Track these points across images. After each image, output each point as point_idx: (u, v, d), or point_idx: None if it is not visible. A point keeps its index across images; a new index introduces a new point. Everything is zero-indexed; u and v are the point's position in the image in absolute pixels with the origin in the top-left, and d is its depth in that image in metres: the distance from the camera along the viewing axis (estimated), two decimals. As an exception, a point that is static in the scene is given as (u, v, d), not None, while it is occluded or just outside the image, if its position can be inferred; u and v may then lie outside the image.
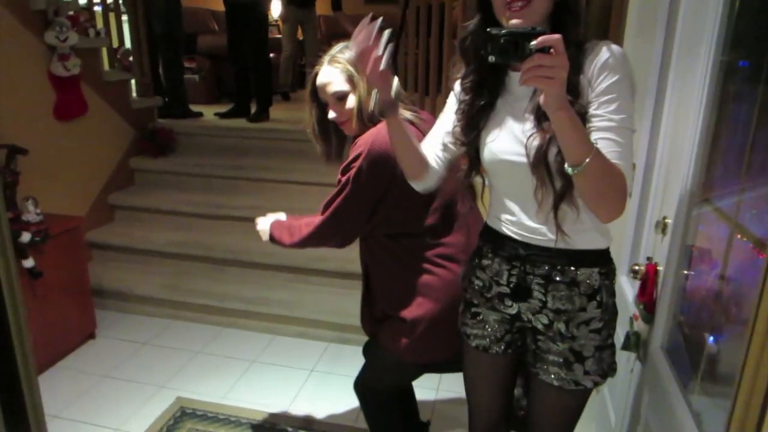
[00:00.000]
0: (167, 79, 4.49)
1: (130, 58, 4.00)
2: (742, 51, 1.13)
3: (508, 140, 1.17)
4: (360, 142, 1.49)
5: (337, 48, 1.56)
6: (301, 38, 5.73)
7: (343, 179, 1.50)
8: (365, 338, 1.79)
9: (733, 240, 1.13)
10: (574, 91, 1.05)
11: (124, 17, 4.16)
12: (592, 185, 1.03)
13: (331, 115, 1.56)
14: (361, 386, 1.79)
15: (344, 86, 1.52)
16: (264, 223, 1.76)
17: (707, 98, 1.23)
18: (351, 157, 1.49)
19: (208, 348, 2.82)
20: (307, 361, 2.72)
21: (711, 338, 1.24)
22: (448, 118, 1.30)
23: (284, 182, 3.56)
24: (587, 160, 0.98)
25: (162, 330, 2.98)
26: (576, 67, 1.05)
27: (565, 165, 1.02)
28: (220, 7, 4.60)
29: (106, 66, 3.78)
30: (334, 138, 1.67)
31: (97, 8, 3.93)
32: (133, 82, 4.06)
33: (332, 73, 1.52)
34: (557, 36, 0.90)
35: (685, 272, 1.36)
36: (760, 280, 0.74)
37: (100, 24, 3.77)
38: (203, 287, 3.13)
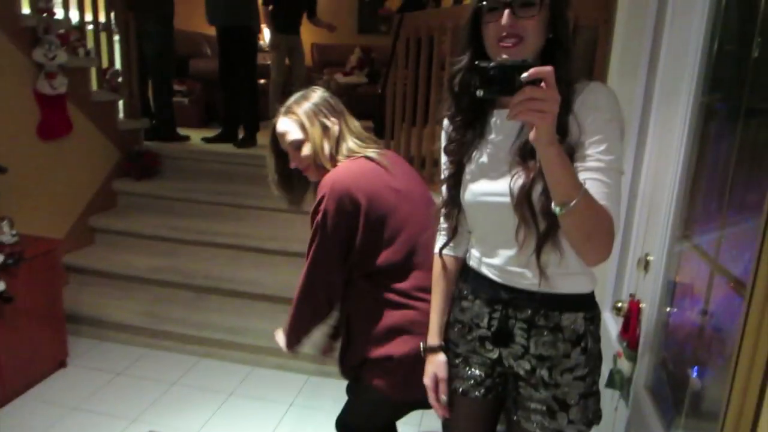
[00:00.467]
0: (156, 101, 4.49)
1: (119, 79, 4.00)
2: (719, 94, 1.15)
3: (490, 180, 1.14)
4: (321, 185, 1.51)
5: (293, 98, 1.61)
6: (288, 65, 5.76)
7: (312, 228, 1.51)
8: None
9: (714, 276, 1.12)
10: (562, 130, 1.03)
11: (116, 37, 4.17)
12: (579, 226, 1.00)
13: (293, 164, 1.61)
14: (344, 427, 1.75)
15: (299, 135, 1.57)
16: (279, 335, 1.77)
17: (687, 138, 1.24)
18: (316, 202, 1.51)
19: (185, 379, 2.75)
20: (286, 394, 2.66)
21: (695, 374, 1.22)
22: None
23: (269, 210, 3.53)
24: (576, 199, 0.95)
25: (137, 359, 2.91)
26: (566, 105, 1.02)
27: (552, 204, 0.99)
28: (214, 31, 4.63)
29: (94, 86, 3.77)
30: (297, 185, 1.71)
31: (89, 27, 3.93)
32: (120, 103, 4.06)
33: (288, 124, 1.58)
34: (549, 68, 0.88)
35: (668, 309, 1.36)
36: (741, 320, 0.73)
37: (90, 44, 3.77)
38: (182, 315, 3.08)
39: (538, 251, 1.09)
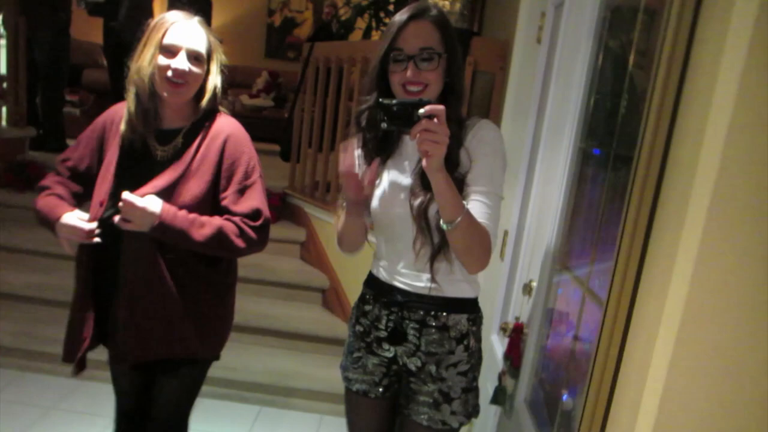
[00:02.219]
0: (45, 110, 4.21)
1: (4, 85, 3.72)
2: (595, 141, 1.32)
3: (395, 195, 1.30)
4: (234, 133, 1.50)
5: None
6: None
7: (249, 179, 1.48)
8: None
9: (585, 303, 1.27)
10: (455, 161, 1.22)
11: (2, 42, 3.90)
12: (462, 240, 1.18)
13: (174, 68, 1.41)
14: (184, 418, 1.70)
15: (203, 49, 1.45)
16: (151, 201, 1.40)
17: (567, 178, 1.41)
18: (233, 148, 1.48)
19: (64, 403, 2.57)
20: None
21: (565, 395, 1.37)
22: None
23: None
24: (459, 218, 1.14)
25: (9, 383, 2.67)
26: (457, 140, 1.23)
27: (441, 221, 1.16)
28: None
29: (-25, 90, 3.49)
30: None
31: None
32: (4, 110, 3.77)
33: (198, 30, 1.46)
34: (441, 107, 1.07)
35: (546, 332, 1.50)
36: (598, 330, 0.85)
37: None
38: (62, 335, 2.86)
39: (432, 259, 1.27)
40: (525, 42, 1.93)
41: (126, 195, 1.36)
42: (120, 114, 1.53)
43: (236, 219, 1.46)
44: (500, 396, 1.58)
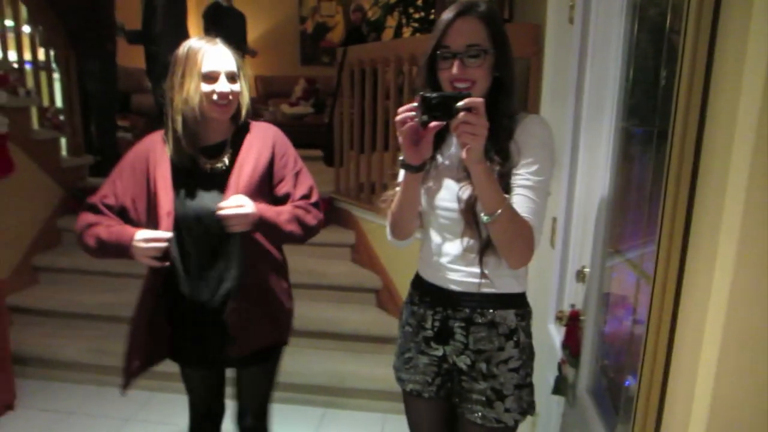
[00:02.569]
0: (100, 138, 4.43)
1: (61, 117, 3.93)
2: (636, 119, 1.29)
3: (444, 189, 1.30)
4: (275, 134, 1.67)
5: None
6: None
7: (298, 166, 1.68)
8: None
9: (640, 285, 1.24)
10: (505, 154, 1.22)
11: (56, 75, 4.11)
12: (502, 233, 1.18)
13: (219, 91, 1.53)
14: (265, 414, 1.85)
15: (236, 68, 1.57)
16: (243, 201, 1.53)
17: (611, 159, 1.38)
18: (281, 150, 1.65)
19: (140, 415, 2.70)
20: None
21: (627, 381, 1.34)
22: None
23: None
24: (499, 210, 1.13)
25: (88, 398, 2.83)
26: (507, 134, 1.23)
27: (482, 213, 1.16)
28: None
29: (35, 125, 3.69)
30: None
31: (28, 66, 3.87)
32: (63, 140, 3.98)
33: (228, 53, 1.57)
34: (480, 99, 1.07)
35: (604, 317, 1.48)
36: (647, 309, 0.84)
37: (30, 83, 3.71)
38: (135, 350, 3.01)
39: (480, 254, 1.26)
40: (557, 24, 1.89)
41: (223, 204, 1.49)
42: (157, 141, 1.63)
43: (299, 202, 1.64)
44: (561, 386, 1.56)
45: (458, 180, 1.27)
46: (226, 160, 1.61)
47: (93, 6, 4.13)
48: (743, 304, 0.71)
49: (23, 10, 3.79)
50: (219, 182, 1.58)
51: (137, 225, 1.59)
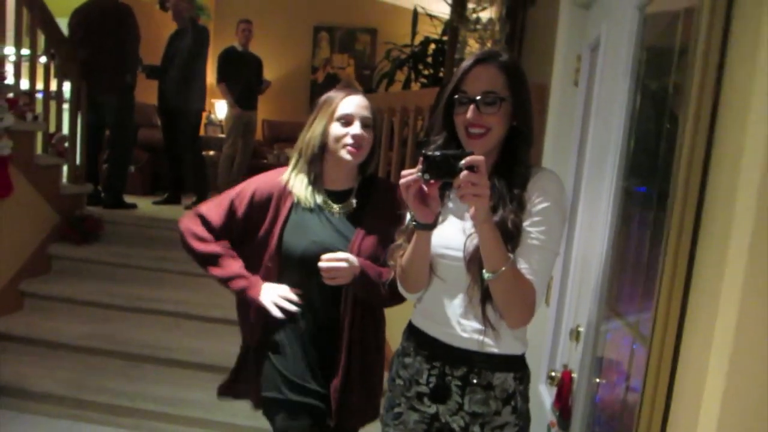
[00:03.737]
0: (112, 169, 4.46)
1: (66, 144, 3.96)
2: (637, 179, 1.29)
3: (451, 236, 1.26)
4: (391, 185, 1.65)
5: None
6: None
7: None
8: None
9: (635, 351, 1.21)
10: (520, 203, 1.21)
11: (66, 105, 4.17)
12: (502, 292, 1.16)
13: (352, 134, 1.54)
14: None
15: (371, 119, 1.59)
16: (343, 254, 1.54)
17: (611, 218, 1.37)
18: (386, 195, 1.60)
19: (112, 453, 2.59)
20: (220, 470, 2.54)
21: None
22: None
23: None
24: (503, 268, 1.12)
25: (62, 432, 2.72)
26: (523, 182, 1.22)
27: (484, 270, 1.14)
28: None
29: (39, 150, 3.72)
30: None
31: (39, 95, 3.92)
32: (65, 168, 4.00)
33: (366, 101, 1.60)
34: (481, 158, 1.07)
35: (597, 380, 1.43)
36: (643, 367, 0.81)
37: (39, 109, 3.76)
38: (113, 385, 2.93)
39: (483, 306, 1.21)
40: (562, 85, 1.93)
41: (325, 257, 1.49)
42: (282, 180, 1.63)
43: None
44: (550, 449, 1.50)
45: (464, 229, 1.24)
46: (348, 207, 1.61)
47: (120, 39, 4.23)
48: (742, 375, 0.70)
49: (41, 40, 3.87)
50: (343, 229, 1.58)
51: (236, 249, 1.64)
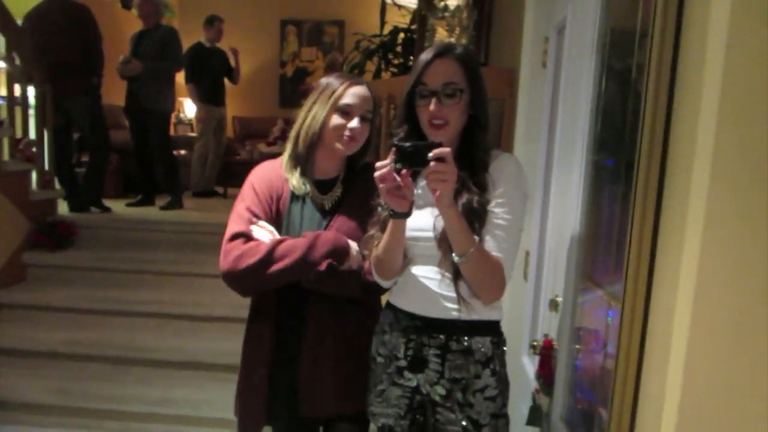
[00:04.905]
0: (90, 171, 4.42)
1: (33, 149, 3.89)
2: (606, 153, 1.35)
3: (422, 219, 1.32)
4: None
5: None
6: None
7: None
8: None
9: (612, 318, 1.27)
10: (483, 184, 1.28)
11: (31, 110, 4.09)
12: (472, 272, 1.24)
13: (350, 127, 1.50)
14: None
15: (372, 111, 1.55)
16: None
17: (583, 191, 1.43)
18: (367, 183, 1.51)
19: (102, 456, 2.58)
20: (212, 464, 2.56)
21: (603, 414, 1.35)
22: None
23: (193, 275, 3.47)
24: (470, 251, 1.20)
25: (49, 440, 2.70)
26: (483, 166, 1.30)
27: (453, 254, 1.21)
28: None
29: (6, 156, 3.65)
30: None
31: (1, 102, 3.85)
32: (34, 174, 3.93)
33: (369, 93, 1.55)
34: (448, 149, 1.15)
35: (577, 347, 1.50)
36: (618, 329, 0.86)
37: (4, 114, 3.68)
38: (99, 390, 2.91)
39: (456, 280, 1.28)
40: (531, 67, 1.98)
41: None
42: (277, 169, 1.60)
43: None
44: (535, 415, 1.56)
45: (434, 210, 1.29)
46: (335, 197, 1.58)
47: (82, 39, 4.16)
48: (705, 331, 0.76)
49: (1, 45, 3.79)
50: (327, 217, 1.55)
51: None
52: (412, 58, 3.96)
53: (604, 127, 1.37)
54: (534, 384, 1.61)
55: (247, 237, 1.48)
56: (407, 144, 1.18)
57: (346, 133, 1.50)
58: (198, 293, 3.39)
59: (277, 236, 1.50)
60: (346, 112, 1.50)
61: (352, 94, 1.51)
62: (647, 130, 0.87)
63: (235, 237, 1.48)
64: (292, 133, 1.57)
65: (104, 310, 3.32)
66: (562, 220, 1.62)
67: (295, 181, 1.56)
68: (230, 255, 1.47)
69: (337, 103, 1.50)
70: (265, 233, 1.49)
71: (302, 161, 1.55)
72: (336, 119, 1.50)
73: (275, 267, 1.43)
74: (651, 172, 0.87)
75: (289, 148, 1.58)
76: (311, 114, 1.53)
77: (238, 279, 1.47)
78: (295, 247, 1.45)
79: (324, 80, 1.56)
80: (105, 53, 4.37)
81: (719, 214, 0.73)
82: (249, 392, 1.60)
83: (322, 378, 1.52)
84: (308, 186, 1.56)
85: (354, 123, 1.50)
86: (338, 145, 1.51)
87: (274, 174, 1.59)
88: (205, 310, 3.24)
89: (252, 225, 1.50)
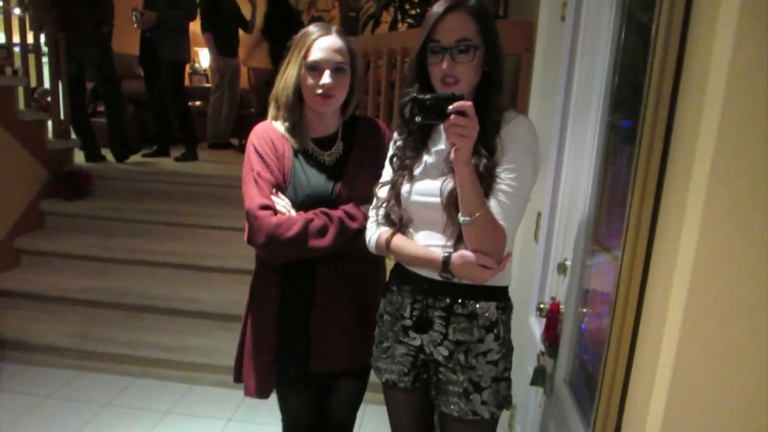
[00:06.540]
0: (112, 122, 4.41)
1: (48, 98, 3.89)
2: (621, 113, 1.30)
3: (427, 183, 1.29)
4: (379, 125, 1.65)
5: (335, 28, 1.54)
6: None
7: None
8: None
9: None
10: (491, 147, 1.23)
11: (45, 58, 4.07)
12: (475, 235, 1.20)
13: (321, 84, 1.46)
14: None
15: (347, 61, 1.50)
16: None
17: (596, 153, 1.39)
18: (371, 133, 1.59)
19: (118, 400, 2.68)
20: (224, 410, 2.64)
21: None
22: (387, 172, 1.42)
23: (207, 227, 3.52)
24: (477, 213, 1.16)
25: (66, 382, 2.81)
26: (495, 128, 1.24)
27: (459, 213, 1.17)
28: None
29: (21, 105, 3.65)
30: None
31: (17, 49, 3.82)
32: (50, 123, 3.94)
33: (341, 44, 1.49)
34: (469, 103, 1.10)
35: (583, 310, 1.49)
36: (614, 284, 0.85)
37: (18, 63, 3.67)
38: (115, 335, 3.00)
39: (456, 245, 1.25)
40: (549, 21, 1.90)
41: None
42: (274, 128, 1.56)
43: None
44: (539, 376, 1.57)
45: (442, 174, 1.28)
46: (337, 153, 1.56)
47: None
48: (702, 295, 0.75)
49: (14, -9, 3.75)
50: (333, 174, 1.53)
51: None
52: (429, 8, 3.83)
53: (621, 86, 1.32)
54: (540, 346, 1.62)
55: (273, 209, 1.46)
56: (427, 96, 1.14)
57: (318, 91, 1.46)
58: (211, 245, 3.43)
59: (293, 211, 1.48)
60: (315, 68, 1.46)
61: (319, 48, 1.46)
62: (653, 93, 0.83)
63: (264, 207, 1.46)
64: (272, 96, 1.54)
65: (120, 258, 3.38)
66: (574, 182, 1.58)
67: (295, 139, 1.54)
68: (267, 225, 1.43)
69: (307, 58, 1.46)
70: (284, 205, 1.48)
71: (296, 119, 1.53)
72: (308, 79, 1.46)
73: (316, 242, 1.44)
74: (656, 130, 0.84)
75: (270, 111, 1.55)
76: (285, 75, 1.50)
77: (282, 248, 1.44)
78: (327, 225, 1.46)
79: (299, 34, 1.51)
80: (115, 1, 4.30)
81: (723, 175, 0.71)
82: (258, 354, 1.59)
83: (333, 334, 1.55)
84: (309, 143, 1.55)
85: (325, 78, 1.45)
86: (316, 105, 1.49)
87: (273, 133, 1.56)
88: (218, 261, 3.28)
89: (273, 196, 1.48)
